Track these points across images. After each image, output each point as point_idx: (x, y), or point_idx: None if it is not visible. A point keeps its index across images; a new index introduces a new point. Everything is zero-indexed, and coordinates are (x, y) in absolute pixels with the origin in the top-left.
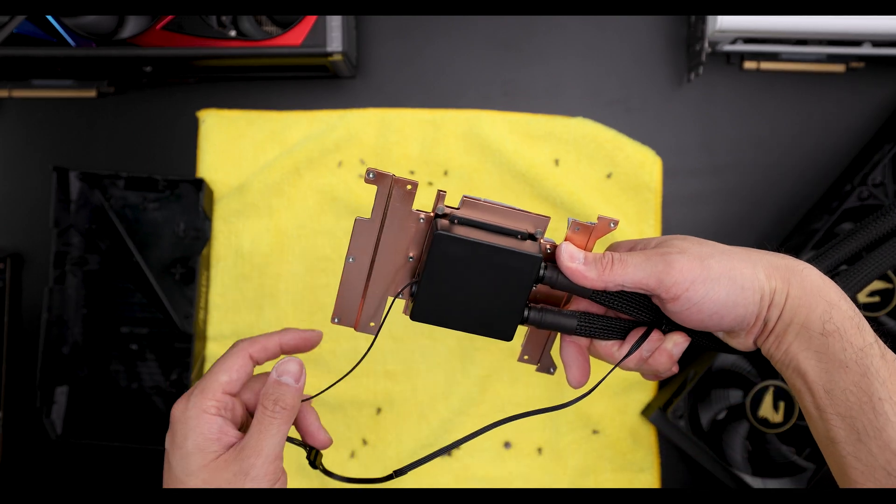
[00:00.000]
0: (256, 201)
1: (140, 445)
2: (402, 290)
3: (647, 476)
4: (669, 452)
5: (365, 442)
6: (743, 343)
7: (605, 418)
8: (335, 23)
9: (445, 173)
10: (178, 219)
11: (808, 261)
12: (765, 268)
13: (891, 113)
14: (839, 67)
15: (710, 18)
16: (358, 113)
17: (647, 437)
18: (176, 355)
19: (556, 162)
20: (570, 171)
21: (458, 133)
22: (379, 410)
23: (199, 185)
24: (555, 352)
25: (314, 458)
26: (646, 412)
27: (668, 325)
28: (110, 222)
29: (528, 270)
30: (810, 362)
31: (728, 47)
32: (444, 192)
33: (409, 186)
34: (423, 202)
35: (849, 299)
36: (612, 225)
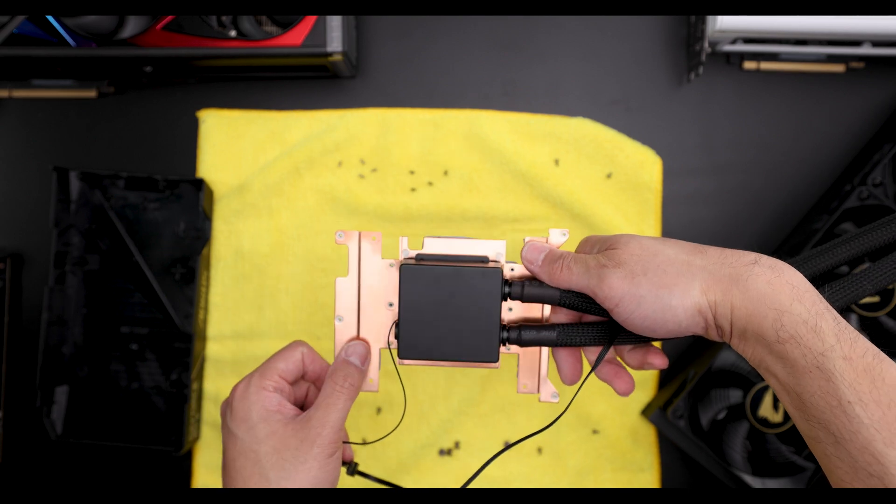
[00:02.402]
0: (256, 201)
1: (140, 445)
2: (388, 334)
3: (647, 476)
4: (669, 452)
5: (365, 442)
6: (713, 339)
7: (605, 418)
8: (335, 23)
9: (445, 173)
10: (178, 219)
11: (795, 262)
12: (703, 281)
13: (891, 113)
14: (839, 67)
15: (710, 18)
16: (358, 113)
17: (647, 437)
18: (176, 355)
19: (556, 162)
20: (570, 171)
21: (459, 133)
22: (379, 410)
23: (199, 185)
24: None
25: (353, 469)
26: (646, 412)
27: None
28: (110, 222)
29: (493, 284)
30: (777, 366)
31: (728, 47)
32: (406, 237)
33: (373, 237)
34: (423, 203)
35: (809, 296)
36: (564, 235)
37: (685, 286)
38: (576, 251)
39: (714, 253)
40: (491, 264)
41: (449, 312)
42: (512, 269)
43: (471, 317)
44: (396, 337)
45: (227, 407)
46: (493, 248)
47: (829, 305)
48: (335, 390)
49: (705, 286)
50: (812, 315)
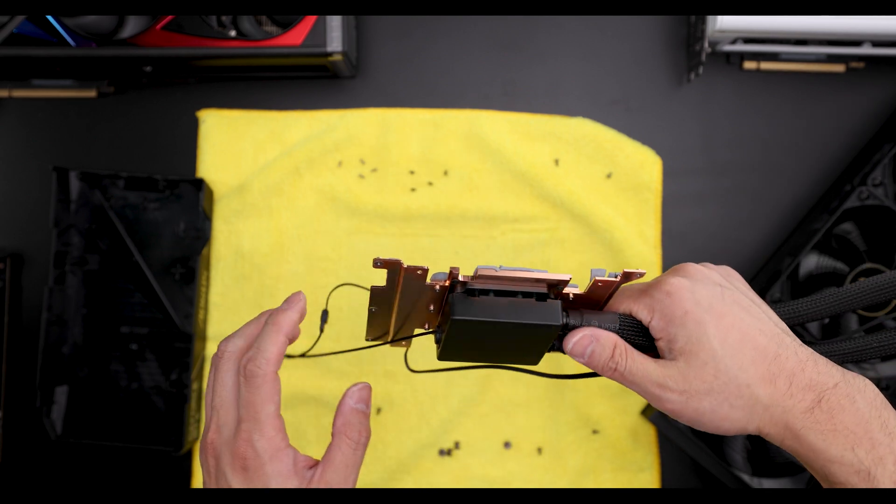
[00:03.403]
0: (256, 201)
1: (140, 445)
2: (427, 332)
3: (647, 476)
4: (669, 452)
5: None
6: None
7: (605, 418)
8: (335, 23)
9: (445, 173)
10: (178, 219)
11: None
12: (761, 419)
13: (891, 113)
14: (839, 67)
15: (710, 18)
16: (358, 113)
17: (647, 437)
18: (176, 355)
19: (556, 162)
20: (570, 171)
21: (459, 133)
22: (379, 410)
23: (199, 185)
24: None
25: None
26: (646, 412)
27: None
28: (110, 222)
29: (547, 334)
30: (825, 484)
31: (728, 47)
32: (457, 268)
33: (419, 272)
34: (424, 203)
35: (868, 439)
36: (637, 276)
37: (745, 422)
38: (631, 304)
39: (782, 386)
40: (549, 303)
41: (497, 344)
42: (571, 298)
43: (519, 346)
44: (437, 342)
45: (230, 460)
46: (558, 282)
47: (894, 440)
48: (352, 449)
49: (762, 424)
50: (867, 464)
